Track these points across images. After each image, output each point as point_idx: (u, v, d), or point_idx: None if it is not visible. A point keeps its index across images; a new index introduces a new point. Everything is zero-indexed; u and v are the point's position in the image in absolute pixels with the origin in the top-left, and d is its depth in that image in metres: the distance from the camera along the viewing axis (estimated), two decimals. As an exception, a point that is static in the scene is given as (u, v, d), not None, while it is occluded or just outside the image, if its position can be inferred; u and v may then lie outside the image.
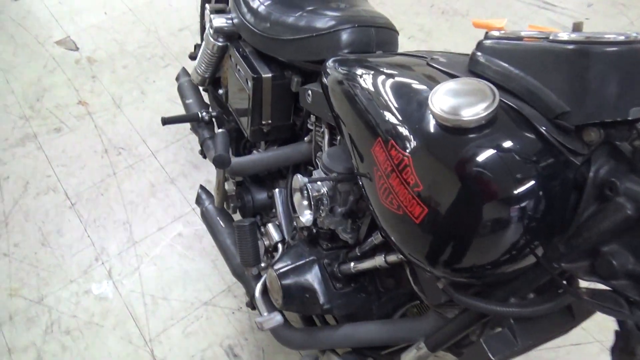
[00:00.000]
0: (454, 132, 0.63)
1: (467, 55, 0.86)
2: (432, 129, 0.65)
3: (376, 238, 0.96)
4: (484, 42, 0.72)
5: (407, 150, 0.67)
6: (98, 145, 2.12)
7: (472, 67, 0.73)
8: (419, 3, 2.75)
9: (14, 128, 2.20)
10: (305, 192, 0.91)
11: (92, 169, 2.04)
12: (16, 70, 2.46)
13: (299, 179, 0.89)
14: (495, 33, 0.71)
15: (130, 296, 1.67)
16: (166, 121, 1.52)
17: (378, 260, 0.95)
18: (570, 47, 0.60)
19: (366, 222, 1.02)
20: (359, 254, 1.04)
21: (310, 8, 1.16)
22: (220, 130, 1.19)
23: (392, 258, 0.91)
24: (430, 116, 0.65)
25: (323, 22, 1.09)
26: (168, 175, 2.01)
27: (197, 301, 1.66)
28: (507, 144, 0.62)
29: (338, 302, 1.09)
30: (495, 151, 0.61)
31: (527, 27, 0.77)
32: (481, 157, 0.61)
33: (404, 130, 0.69)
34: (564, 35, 0.61)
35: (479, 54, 0.72)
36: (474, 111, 0.61)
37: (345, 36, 1.06)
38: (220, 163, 1.09)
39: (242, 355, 1.53)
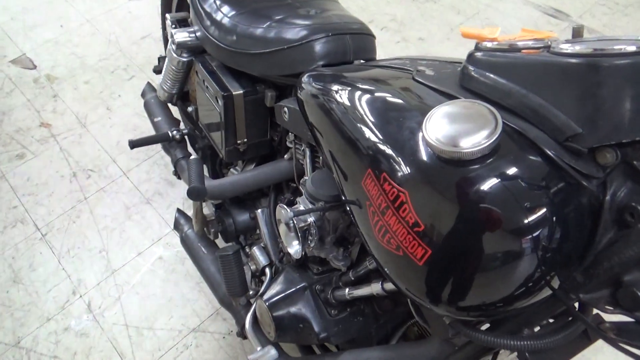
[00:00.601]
0: (454, 164, 0.56)
1: (454, 62, 0.79)
2: (428, 161, 0.58)
3: (370, 263, 0.90)
4: (476, 54, 0.65)
5: (403, 185, 0.60)
6: (65, 169, 2.01)
7: (465, 83, 0.66)
8: (388, -8, 2.68)
9: (-27, 158, 2.07)
10: (292, 224, 0.83)
11: (61, 196, 1.92)
12: (-30, 95, 2.32)
13: (284, 213, 0.82)
14: (488, 44, 0.64)
15: (113, 329, 1.58)
16: (134, 144, 1.42)
17: (375, 288, 0.88)
18: (576, 61, 0.53)
19: (357, 244, 0.96)
20: (352, 278, 0.97)
21: (278, 17, 1.07)
22: (192, 157, 1.10)
23: (390, 286, 0.85)
24: (426, 146, 0.58)
25: (294, 33, 1.01)
26: (143, 196, 1.91)
27: (184, 328, 1.58)
28: (514, 172, 0.55)
29: (334, 329, 1.02)
30: (500, 182, 0.55)
31: (519, 31, 0.71)
32: (486, 190, 0.55)
33: (396, 162, 0.62)
34: (566, 47, 0.55)
35: (471, 67, 0.65)
36: (475, 140, 0.54)
37: (319, 47, 0.98)
38: (195, 195, 1.01)
39: (238, 382, 1.46)
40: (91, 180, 1.97)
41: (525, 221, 0.54)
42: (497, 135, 0.54)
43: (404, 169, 0.60)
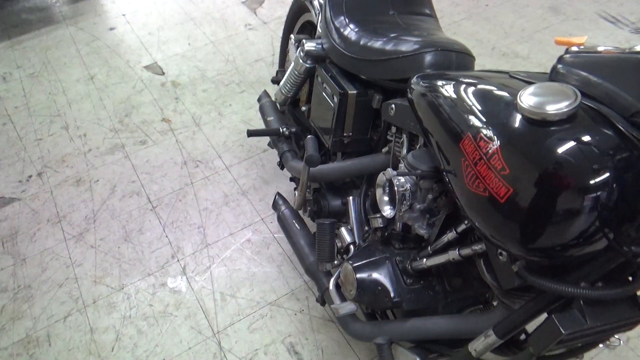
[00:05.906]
0: (540, 124, 0.74)
1: (544, 73, 0.98)
2: (519, 123, 0.76)
3: (450, 235, 1.06)
4: (565, 56, 0.84)
5: (495, 142, 0.78)
6: (178, 158, 2.33)
7: (554, 78, 0.84)
8: (480, 45, 2.90)
9: (105, 139, 2.45)
10: (389, 186, 1.02)
11: (172, 178, 2.23)
12: (109, 90, 2.75)
13: (388, 172, 1.01)
14: (575, 48, 0.83)
15: (202, 292, 1.81)
16: (251, 133, 1.69)
17: (452, 254, 1.04)
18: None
19: (439, 221, 1.13)
20: (431, 252, 1.13)
21: (394, 34, 1.31)
22: (309, 136, 1.34)
23: (466, 251, 1.00)
24: (517, 113, 0.77)
25: (408, 46, 1.23)
26: (240, 188, 2.18)
27: (262, 301, 1.77)
28: (586, 137, 0.72)
29: (408, 296, 1.17)
30: (575, 143, 0.72)
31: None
32: (562, 148, 0.72)
33: (492, 125, 0.80)
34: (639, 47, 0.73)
35: (560, 66, 0.84)
36: (558, 107, 0.72)
37: (428, 58, 1.20)
38: (311, 162, 1.24)
39: (303, 352, 1.62)
40: (198, 170, 2.27)
41: (591, 179, 0.69)
42: (576, 105, 0.71)
43: (498, 129, 0.79)
